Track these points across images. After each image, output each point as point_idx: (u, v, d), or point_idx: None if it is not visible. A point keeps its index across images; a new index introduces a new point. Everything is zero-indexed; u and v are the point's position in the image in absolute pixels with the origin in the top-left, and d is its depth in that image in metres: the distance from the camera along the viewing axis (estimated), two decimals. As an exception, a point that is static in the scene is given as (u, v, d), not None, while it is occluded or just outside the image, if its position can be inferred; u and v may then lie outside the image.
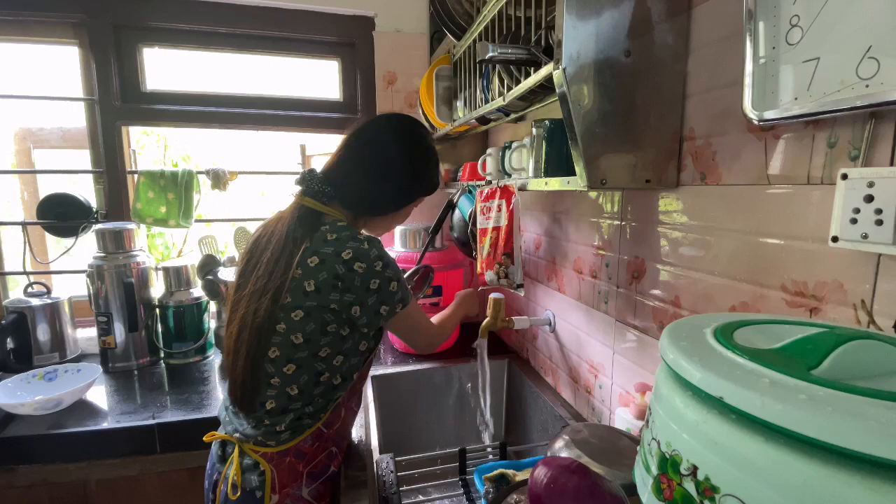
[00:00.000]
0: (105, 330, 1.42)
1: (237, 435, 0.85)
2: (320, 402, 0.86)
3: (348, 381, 0.89)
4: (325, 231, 0.83)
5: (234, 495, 0.82)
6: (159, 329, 1.52)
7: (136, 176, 1.56)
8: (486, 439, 1.23)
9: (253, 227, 1.75)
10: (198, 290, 1.53)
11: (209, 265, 1.52)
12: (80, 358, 1.52)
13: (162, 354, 1.53)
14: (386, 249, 0.86)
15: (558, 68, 0.70)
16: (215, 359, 1.56)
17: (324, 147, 2.11)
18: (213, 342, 1.58)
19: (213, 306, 1.58)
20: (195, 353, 1.52)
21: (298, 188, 0.90)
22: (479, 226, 1.21)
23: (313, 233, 0.83)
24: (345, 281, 0.80)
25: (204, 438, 0.90)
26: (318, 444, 0.87)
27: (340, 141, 0.92)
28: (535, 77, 0.80)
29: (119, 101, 1.54)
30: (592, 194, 1.06)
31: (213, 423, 1.16)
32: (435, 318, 1.09)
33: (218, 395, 1.29)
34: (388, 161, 0.90)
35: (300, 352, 0.81)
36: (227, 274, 1.51)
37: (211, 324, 1.59)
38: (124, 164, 1.58)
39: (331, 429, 0.89)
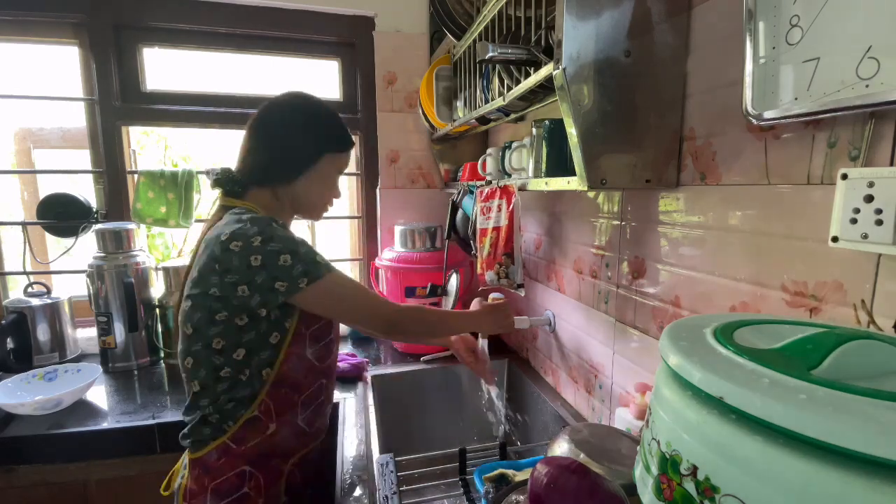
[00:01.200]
0: (105, 330, 1.42)
1: None
2: (228, 407, 0.82)
3: (260, 383, 0.82)
4: (222, 222, 0.83)
5: (165, 491, 0.86)
6: (159, 329, 1.51)
7: (136, 176, 1.56)
8: (502, 432, 1.22)
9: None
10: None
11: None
12: (80, 358, 1.52)
13: (162, 354, 1.53)
14: (278, 227, 0.81)
15: (558, 68, 0.70)
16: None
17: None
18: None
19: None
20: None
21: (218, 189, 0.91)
22: (479, 226, 1.21)
23: (218, 223, 0.84)
24: (222, 262, 0.76)
25: None
26: (224, 461, 0.82)
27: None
28: (535, 77, 0.80)
29: (119, 101, 1.53)
30: (592, 194, 1.06)
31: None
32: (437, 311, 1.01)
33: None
34: (282, 126, 0.90)
35: (193, 344, 0.81)
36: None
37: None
38: (124, 164, 1.58)
39: (242, 445, 0.82)
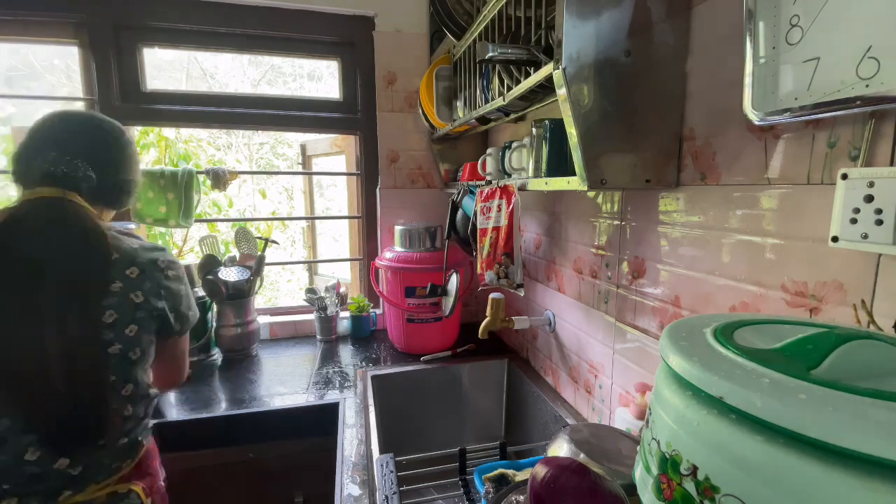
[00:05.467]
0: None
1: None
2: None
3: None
4: (117, 237, 0.81)
5: None
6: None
7: (136, 176, 1.56)
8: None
9: (254, 228, 1.75)
10: (200, 291, 1.53)
11: (210, 265, 1.52)
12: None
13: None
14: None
15: (558, 68, 0.70)
16: (217, 358, 1.56)
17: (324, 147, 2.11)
18: (216, 342, 1.57)
19: (215, 306, 1.58)
20: (198, 353, 1.52)
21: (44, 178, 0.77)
22: (479, 226, 1.21)
23: (106, 238, 0.78)
24: (165, 290, 0.84)
25: None
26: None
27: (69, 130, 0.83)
28: (535, 77, 0.80)
29: (119, 101, 1.54)
30: (592, 194, 1.06)
31: (214, 423, 1.16)
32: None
33: (220, 395, 1.29)
34: (129, 158, 0.89)
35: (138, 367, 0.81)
36: (228, 273, 1.51)
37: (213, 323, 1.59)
38: (124, 164, 1.58)
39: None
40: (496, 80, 1.02)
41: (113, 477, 0.77)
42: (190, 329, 0.94)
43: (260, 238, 1.65)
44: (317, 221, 2.63)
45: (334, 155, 2.10)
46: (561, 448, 0.73)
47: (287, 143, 4.56)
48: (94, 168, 0.81)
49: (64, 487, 0.73)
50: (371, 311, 1.78)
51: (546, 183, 0.92)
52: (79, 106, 1.56)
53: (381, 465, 0.92)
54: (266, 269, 1.64)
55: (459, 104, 1.33)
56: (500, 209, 1.13)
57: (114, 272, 0.77)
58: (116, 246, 0.79)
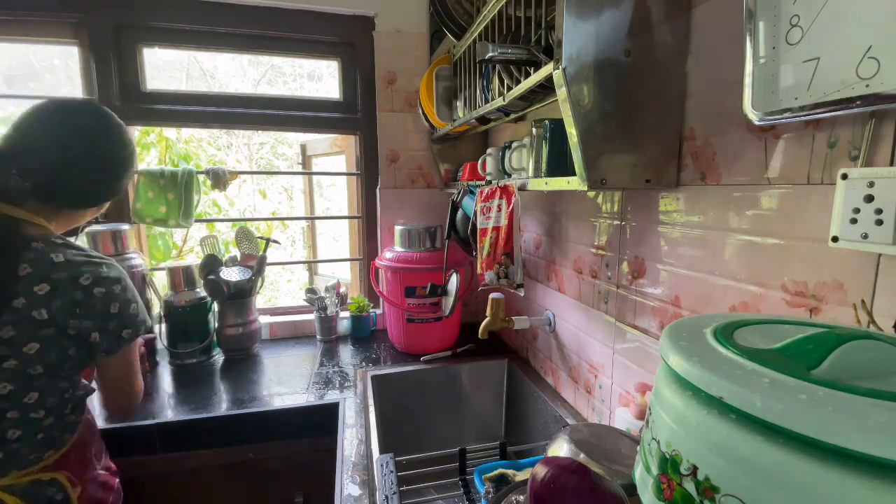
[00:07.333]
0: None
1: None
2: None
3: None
4: (44, 250, 0.78)
5: None
6: (163, 329, 1.51)
7: (136, 176, 1.56)
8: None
9: (254, 228, 1.75)
10: (202, 291, 1.53)
11: (211, 265, 1.52)
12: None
13: (167, 355, 1.53)
14: (121, 269, 0.84)
15: (558, 68, 0.70)
16: (218, 358, 1.56)
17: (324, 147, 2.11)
18: (217, 342, 1.57)
19: (216, 306, 1.58)
20: (200, 354, 1.52)
21: None
22: (479, 226, 1.21)
23: (22, 251, 0.76)
24: (83, 307, 0.78)
25: None
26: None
27: (24, 123, 0.82)
28: (535, 77, 0.80)
29: (119, 101, 1.54)
30: (592, 194, 1.06)
31: (214, 422, 1.16)
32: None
33: (221, 395, 1.29)
34: (106, 153, 0.87)
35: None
36: (230, 273, 1.51)
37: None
38: (124, 164, 1.58)
39: None
40: (496, 80, 1.02)
41: (34, 466, 0.80)
42: (128, 348, 0.87)
43: (261, 238, 1.65)
44: (317, 221, 2.63)
45: (334, 155, 2.10)
46: (561, 448, 0.73)
47: (287, 143, 4.56)
48: (42, 170, 0.80)
49: None
50: (371, 311, 1.78)
51: (546, 183, 0.92)
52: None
53: (381, 465, 0.92)
54: (266, 268, 1.64)
55: (459, 104, 1.33)
56: (500, 209, 1.13)
57: (19, 287, 0.74)
58: (36, 259, 0.76)
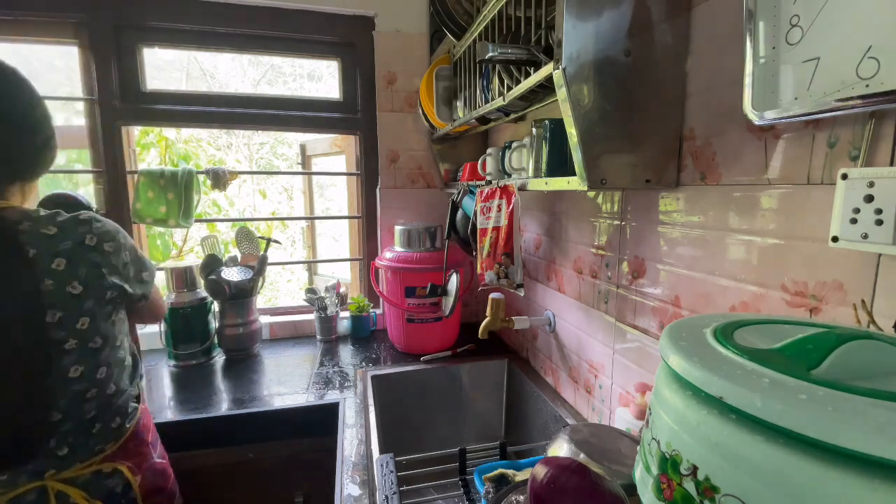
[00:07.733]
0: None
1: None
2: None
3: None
4: (32, 227, 0.73)
5: None
6: (162, 329, 1.51)
7: (135, 176, 1.56)
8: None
9: (254, 228, 1.75)
10: (203, 291, 1.53)
11: (212, 265, 1.52)
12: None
13: (168, 356, 1.53)
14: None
15: (558, 68, 0.70)
16: (219, 359, 1.56)
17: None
18: (218, 342, 1.57)
19: (217, 306, 1.58)
20: (201, 356, 1.52)
21: None
22: (479, 226, 1.21)
23: (17, 235, 0.71)
24: (106, 266, 0.79)
25: None
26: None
27: None
28: (535, 77, 0.80)
29: (119, 102, 1.54)
30: (592, 194, 1.06)
31: (213, 423, 1.16)
32: None
33: (221, 395, 1.29)
34: (42, 116, 0.80)
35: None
36: (230, 273, 1.51)
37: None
38: (124, 164, 1.58)
39: None
40: (496, 80, 1.02)
41: (97, 457, 0.81)
42: (155, 287, 0.94)
43: (262, 238, 1.65)
44: (317, 221, 2.62)
45: (334, 155, 2.10)
46: (561, 448, 0.73)
47: (287, 143, 4.56)
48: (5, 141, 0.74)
49: (50, 465, 0.77)
50: (371, 311, 1.78)
51: (546, 183, 0.92)
52: (78, 107, 1.56)
53: (381, 465, 0.92)
54: (267, 268, 1.64)
55: (459, 104, 1.33)
56: (500, 209, 1.13)
57: (37, 270, 0.71)
58: (32, 240, 0.72)
